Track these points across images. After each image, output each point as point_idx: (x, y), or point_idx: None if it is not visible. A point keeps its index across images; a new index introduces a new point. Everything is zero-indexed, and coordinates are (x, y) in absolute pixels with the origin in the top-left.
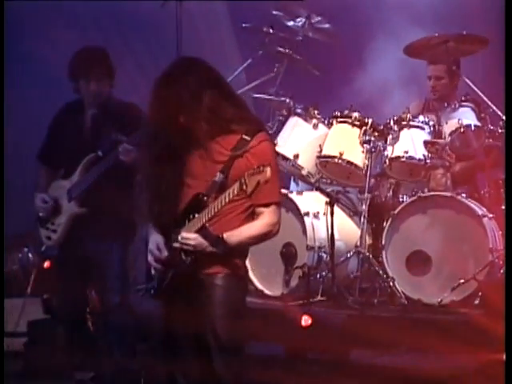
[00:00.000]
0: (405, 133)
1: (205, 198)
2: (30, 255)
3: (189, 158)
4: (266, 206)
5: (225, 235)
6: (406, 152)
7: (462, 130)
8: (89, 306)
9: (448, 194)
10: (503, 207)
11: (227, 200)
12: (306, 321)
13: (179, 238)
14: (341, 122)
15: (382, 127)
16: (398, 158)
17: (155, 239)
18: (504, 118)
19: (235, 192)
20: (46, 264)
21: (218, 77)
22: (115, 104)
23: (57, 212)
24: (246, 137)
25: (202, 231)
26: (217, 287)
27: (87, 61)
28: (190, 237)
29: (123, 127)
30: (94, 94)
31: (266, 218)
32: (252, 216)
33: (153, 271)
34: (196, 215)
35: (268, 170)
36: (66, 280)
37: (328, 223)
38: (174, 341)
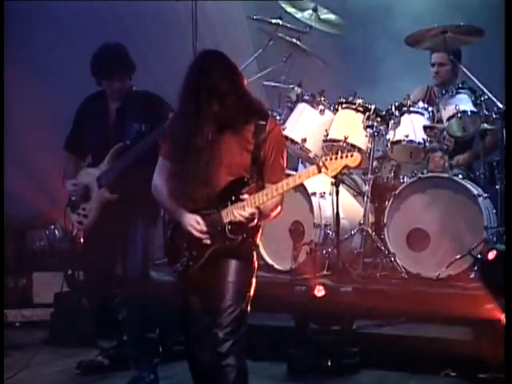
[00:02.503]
0: (405, 118)
1: (250, 182)
2: (56, 232)
3: (219, 146)
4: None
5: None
6: (407, 136)
7: (459, 115)
8: (113, 280)
9: (446, 175)
10: (497, 187)
11: (297, 182)
12: (319, 291)
13: (244, 214)
14: (345, 108)
15: (384, 113)
16: (399, 141)
17: (191, 217)
18: (500, 105)
19: (310, 175)
20: (82, 240)
21: (238, 67)
22: (137, 95)
23: (86, 198)
24: (261, 122)
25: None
26: (238, 258)
27: (109, 61)
28: (255, 212)
29: (147, 117)
30: (118, 91)
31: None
32: None
33: (186, 254)
34: (245, 196)
35: (359, 156)
36: (95, 256)
37: (333, 202)
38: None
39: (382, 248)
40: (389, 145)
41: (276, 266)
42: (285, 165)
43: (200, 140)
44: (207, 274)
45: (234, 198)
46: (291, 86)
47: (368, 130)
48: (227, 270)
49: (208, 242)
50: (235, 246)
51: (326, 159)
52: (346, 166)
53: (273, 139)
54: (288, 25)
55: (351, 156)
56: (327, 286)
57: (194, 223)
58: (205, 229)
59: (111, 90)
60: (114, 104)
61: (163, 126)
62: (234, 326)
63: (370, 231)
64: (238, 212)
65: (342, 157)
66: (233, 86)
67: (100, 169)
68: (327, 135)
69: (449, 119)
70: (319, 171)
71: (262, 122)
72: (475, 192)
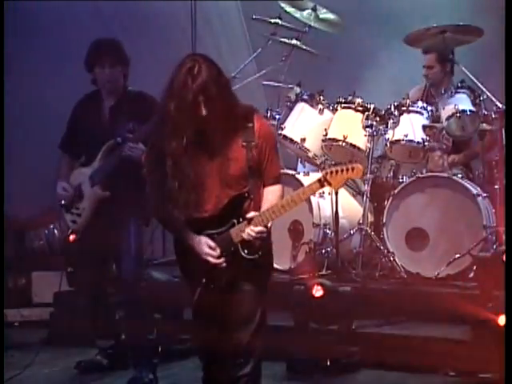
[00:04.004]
0: (404, 117)
1: (251, 196)
2: (55, 231)
3: (212, 156)
4: (276, 183)
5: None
6: (406, 135)
7: (458, 114)
8: (108, 280)
9: (445, 174)
10: (496, 187)
11: (302, 199)
12: (318, 290)
13: (251, 233)
14: (345, 107)
15: (383, 112)
16: (398, 141)
17: (203, 243)
18: (500, 105)
19: (314, 190)
20: (72, 238)
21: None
22: (131, 94)
23: (80, 197)
24: (248, 124)
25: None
26: (258, 277)
27: (100, 49)
28: (264, 230)
29: (139, 116)
30: (109, 81)
31: (279, 193)
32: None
33: (205, 275)
34: (252, 213)
35: (360, 169)
36: (89, 256)
37: (333, 202)
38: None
39: (381, 247)
40: (388, 144)
41: (275, 265)
42: (279, 156)
43: (191, 151)
44: (229, 297)
45: (240, 217)
46: (290, 85)
47: (367, 129)
48: (251, 291)
49: (224, 265)
50: (254, 264)
51: (326, 173)
52: (348, 179)
53: (263, 138)
54: (287, 24)
55: (352, 169)
56: (326, 286)
57: (208, 250)
58: (219, 252)
59: (103, 80)
60: (107, 102)
61: (153, 123)
62: (254, 352)
63: (369, 231)
64: (247, 231)
65: (342, 170)
66: (222, 90)
67: (92, 167)
68: (326, 135)
69: (448, 119)
70: (322, 186)
71: (250, 125)
72: (474, 191)
